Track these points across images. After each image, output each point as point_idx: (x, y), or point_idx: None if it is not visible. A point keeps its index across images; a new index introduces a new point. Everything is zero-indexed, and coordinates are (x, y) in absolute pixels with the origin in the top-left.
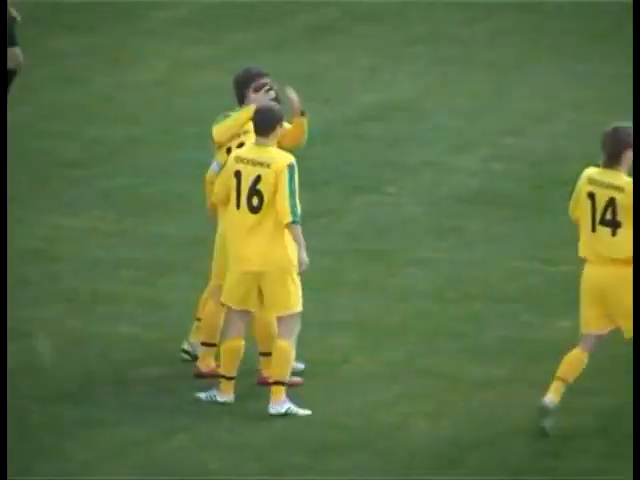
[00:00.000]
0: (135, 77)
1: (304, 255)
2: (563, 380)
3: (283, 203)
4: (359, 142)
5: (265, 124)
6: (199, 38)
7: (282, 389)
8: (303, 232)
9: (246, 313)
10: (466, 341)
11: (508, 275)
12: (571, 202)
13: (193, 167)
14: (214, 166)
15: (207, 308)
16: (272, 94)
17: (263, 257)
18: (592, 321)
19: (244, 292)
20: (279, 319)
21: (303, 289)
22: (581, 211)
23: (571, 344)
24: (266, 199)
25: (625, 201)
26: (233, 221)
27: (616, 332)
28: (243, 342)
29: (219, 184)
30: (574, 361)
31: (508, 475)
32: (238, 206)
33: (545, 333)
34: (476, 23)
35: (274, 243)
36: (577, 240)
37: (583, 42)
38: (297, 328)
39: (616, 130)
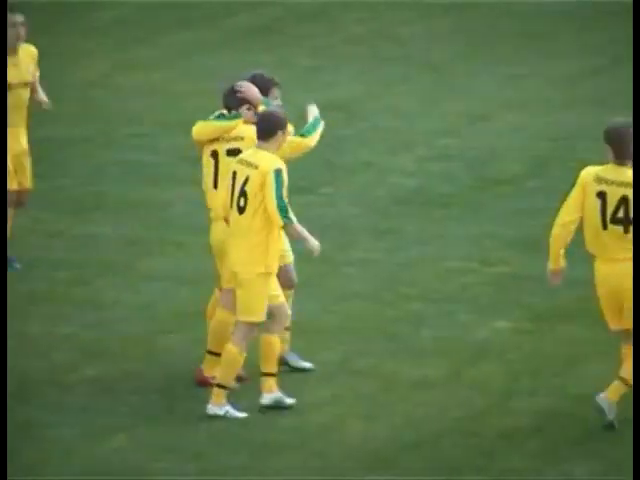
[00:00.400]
0: (73, 77)
1: (312, 243)
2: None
3: (271, 207)
4: None
5: (266, 128)
6: (138, 38)
7: (223, 392)
8: None
9: None
10: (402, 341)
11: (444, 275)
12: (566, 206)
13: (129, 167)
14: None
15: (217, 316)
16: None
17: (240, 259)
18: (615, 317)
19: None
20: (237, 323)
21: None
22: (587, 210)
23: (509, 344)
24: (249, 200)
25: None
26: (230, 220)
27: (548, 332)
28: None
29: (222, 187)
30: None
31: (443, 475)
32: (231, 206)
33: (481, 333)
34: (415, 23)
35: (253, 246)
36: (514, 240)
37: (519, 43)
38: (250, 336)
39: (621, 125)
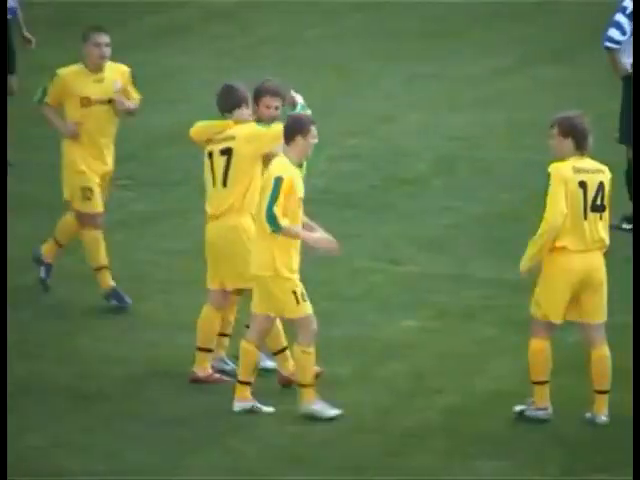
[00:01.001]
0: None
1: (317, 237)
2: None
3: (262, 213)
4: None
5: (286, 133)
6: (47, 40)
7: (246, 387)
8: (155, 233)
9: (266, 317)
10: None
11: (353, 275)
12: (556, 208)
13: (42, 168)
14: None
15: (202, 313)
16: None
17: (255, 261)
18: (565, 309)
19: (255, 295)
20: (252, 319)
21: (151, 290)
22: (571, 203)
23: (416, 342)
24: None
25: (608, 183)
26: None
27: (454, 331)
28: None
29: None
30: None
31: (351, 472)
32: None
33: (389, 332)
34: (321, 25)
35: (264, 248)
36: (421, 239)
37: (425, 43)
38: (266, 331)
39: (583, 117)
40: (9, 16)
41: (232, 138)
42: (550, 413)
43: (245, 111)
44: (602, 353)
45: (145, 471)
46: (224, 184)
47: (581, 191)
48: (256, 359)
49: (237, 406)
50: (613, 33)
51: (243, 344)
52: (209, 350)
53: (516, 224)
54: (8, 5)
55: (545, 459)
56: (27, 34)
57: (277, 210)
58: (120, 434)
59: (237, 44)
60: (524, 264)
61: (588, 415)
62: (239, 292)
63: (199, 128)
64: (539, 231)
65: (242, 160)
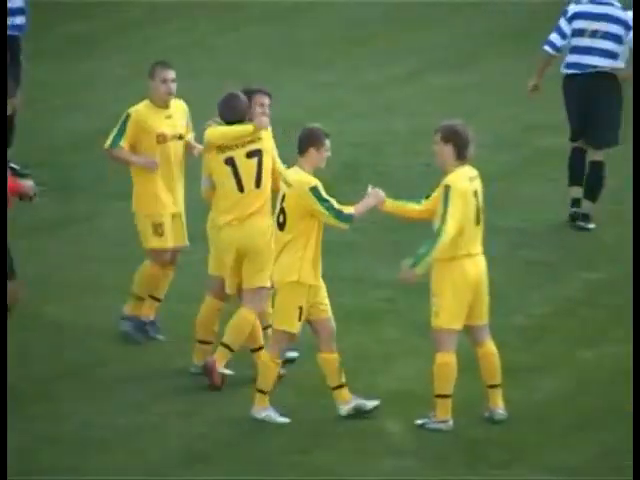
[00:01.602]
0: None
1: (372, 200)
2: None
3: (330, 221)
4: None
5: (299, 144)
6: None
7: (264, 397)
8: (64, 238)
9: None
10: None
11: None
12: (456, 218)
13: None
14: (205, 182)
15: (204, 307)
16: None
17: (277, 270)
18: (464, 315)
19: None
20: (272, 331)
21: (60, 295)
22: (468, 212)
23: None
24: (288, 216)
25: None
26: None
27: (358, 332)
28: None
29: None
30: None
31: (256, 471)
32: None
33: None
34: (227, 34)
35: (290, 258)
36: (327, 243)
37: (329, 52)
38: (283, 346)
39: (465, 126)
40: (19, 33)
41: (259, 139)
42: (451, 425)
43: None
44: (489, 350)
45: (53, 471)
46: (257, 185)
47: (474, 200)
48: (337, 362)
49: (257, 413)
50: (553, 37)
51: (264, 356)
52: (209, 343)
53: (417, 228)
54: (19, 22)
55: (447, 457)
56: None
57: (337, 206)
58: (27, 434)
59: (145, 54)
60: (422, 268)
61: (486, 414)
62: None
63: (219, 133)
64: (440, 242)
65: (270, 159)
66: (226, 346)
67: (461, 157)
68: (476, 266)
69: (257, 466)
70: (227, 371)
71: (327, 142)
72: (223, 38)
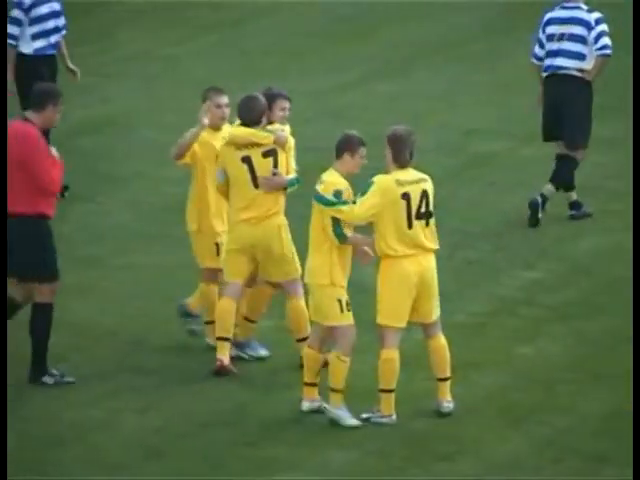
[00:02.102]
0: None
1: (367, 243)
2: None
3: (328, 227)
4: (73, 155)
5: (336, 148)
6: None
7: (314, 389)
8: None
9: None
10: (175, 339)
11: None
12: (363, 209)
13: None
14: (219, 176)
15: (219, 304)
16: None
17: (309, 270)
18: (407, 314)
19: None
20: (313, 326)
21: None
22: (392, 214)
23: (272, 341)
24: (314, 215)
25: (431, 189)
26: None
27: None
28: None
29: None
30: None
31: (209, 464)
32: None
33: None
34: (184, 43)
35: (319, 260)
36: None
37: (281, 59)
38: (328, 339)
39: (406, 131)
40: (54, 52)
41: (256, 147)
42: (394, 420)
43: (263, 121)
44: (439, 343)
45: (12, 466)
46: None
47: (404, 202)
48: (319, 362)
49: (305, 406)
50: (535, 48)
51: (307, 350)
52: (229, 339)
53: (366, 230)
54: (53, 40)
55: (391, 450)
56: (72, 66)
57: (343, 221)
58: None
59: (102, 61)
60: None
61: (435, 406)
62: (275, 286)
63: (242, 133)
64: (341, 210)
65: (284, 159)
66: (300, 340)
67: (398, 161)
68: (418, 265)
69: (209, 459)
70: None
71: (362, 149)
72: (177, 48)
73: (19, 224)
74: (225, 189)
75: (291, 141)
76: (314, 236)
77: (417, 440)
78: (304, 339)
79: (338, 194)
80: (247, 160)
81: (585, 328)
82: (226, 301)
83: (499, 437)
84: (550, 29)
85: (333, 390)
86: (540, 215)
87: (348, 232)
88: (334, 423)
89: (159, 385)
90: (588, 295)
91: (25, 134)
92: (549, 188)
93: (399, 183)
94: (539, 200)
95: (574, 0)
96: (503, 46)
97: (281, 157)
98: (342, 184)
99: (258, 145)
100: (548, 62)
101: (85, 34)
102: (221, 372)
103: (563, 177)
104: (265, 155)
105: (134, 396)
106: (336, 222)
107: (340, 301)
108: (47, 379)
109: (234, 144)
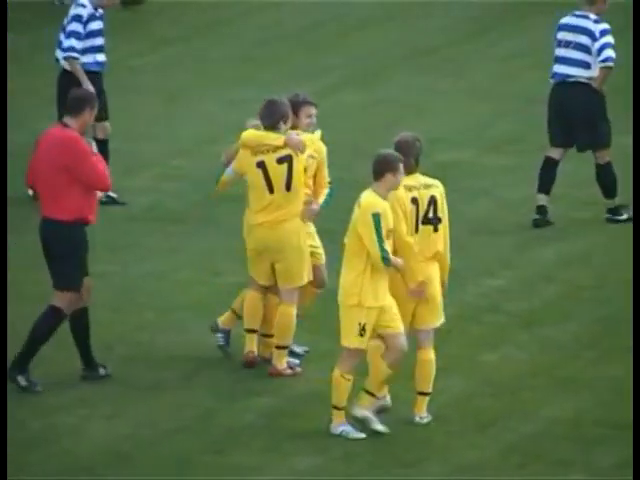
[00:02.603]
0: None
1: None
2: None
3: (373, 250)
4: None
5: (375, 169)
6: None
7: (340, 413)
8: None
9: None
10: (140, 348)
11: (178, 286)
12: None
13: None
14: (229, 170)
15: (248, 299)
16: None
17: (341, 288)
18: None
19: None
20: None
21: None
22: (402, 220)
23: (238, 348)
24: (349, 235)
25: (441, 195)
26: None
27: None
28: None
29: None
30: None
31: (176, 470)
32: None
33: (212, 340)
34: (149, 53)
35: (350, 279)
36: (242, 252)
37: (246, 69)
38: (353, 362)
39: (414, 138)
40: (98, 69)
41: (270, 152)
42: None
43: (283, 126)
44: (427, 357)
45: None
46: (288, 189)
47: (413, 207)
48: (348, 387)
49: (334, 429)
50: (612, 53)
51: (335, 374)
52: (255, 331)
53: (332, 242)
54: (99, 58)
55: (356, 455)
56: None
57: (386, 246)
58: None
59: None
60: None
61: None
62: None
63: (253, 136)
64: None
65: (300, 166)
66: (280, 347)
67: (404, 167)
68: (420, 272)
69: (177, 465)
70: (298, 368)
71: (402, 166)
72: (143, 58)
73: (56, 229)
74: (225, 185)
75: (323, 150)
76: (349, 256)
77: (383, 446)
78: (284, 347)
79: (377, 217)
80: (262, 165)
81: (549, 335)
82: (251, 294)
83: (465, 443)
84: (560, 35)
85: (336, 408)
86: (613, 216)
87: (389, 254)
88: (300, 430)
89: (127, 392)
90: (552, 302)
91: (67, 139)
92: (609, 202)
93: (408, 188)
94: (540, 220)
95: (584, 9)
96: (472, 52)
97: (297, 164)
98: (381, 206)
99: (272, 149)
100: (555, 68)
101: (46, 44)
102: (252, 364)
103: (610, 188)
104: (279, 161)
105: (103, 403)
106: (380, 242)
107: (360, 324)
108: (21, 379)
109: (250, 148)
